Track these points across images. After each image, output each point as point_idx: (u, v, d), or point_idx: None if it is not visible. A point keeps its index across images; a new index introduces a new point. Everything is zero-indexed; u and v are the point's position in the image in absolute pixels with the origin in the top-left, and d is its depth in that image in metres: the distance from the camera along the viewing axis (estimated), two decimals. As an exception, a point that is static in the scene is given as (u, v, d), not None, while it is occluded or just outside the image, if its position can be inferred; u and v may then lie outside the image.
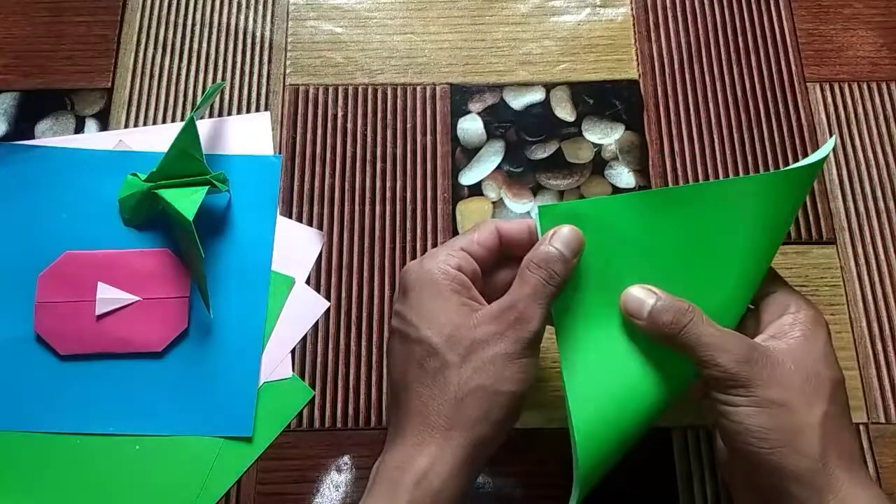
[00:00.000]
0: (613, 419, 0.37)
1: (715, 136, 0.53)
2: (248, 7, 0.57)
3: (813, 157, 0.40)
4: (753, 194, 0.38)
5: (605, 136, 0.53)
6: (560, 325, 0.39)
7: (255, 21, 0.56)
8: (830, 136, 0.53)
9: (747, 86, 0.55)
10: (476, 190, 0.52)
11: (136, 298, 0.48)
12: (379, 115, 0.54)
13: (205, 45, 0.55)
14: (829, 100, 0.54)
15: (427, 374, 0.37)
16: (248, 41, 0.56)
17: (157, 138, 0.52)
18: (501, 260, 0.41)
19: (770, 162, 0.52)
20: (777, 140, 0.53)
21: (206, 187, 0.48)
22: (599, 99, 0.54)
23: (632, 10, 0.57)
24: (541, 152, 0.53)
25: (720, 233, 0.38)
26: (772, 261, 0.40)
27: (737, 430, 0.36)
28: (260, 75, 0.55)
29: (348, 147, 0.53)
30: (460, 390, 0.36)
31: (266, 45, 0.56)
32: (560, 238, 0.38)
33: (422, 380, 0.37)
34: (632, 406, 0.38)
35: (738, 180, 0.39)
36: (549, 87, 0.55)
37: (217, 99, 0.54)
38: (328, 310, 0.49)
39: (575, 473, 0.39)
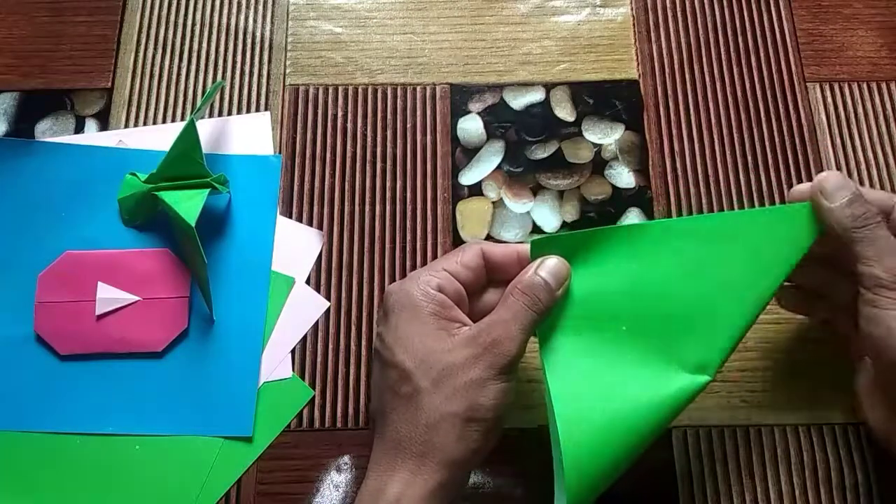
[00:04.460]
0: (604, 447, 0.37)
1: (715, 136, 0.53)
2: (248, 7, 0.57)
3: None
4: (745, 232, 0.39)
5: (605, 136, 0.53)
6: (546, 352, 0.38)
7: (255, 21, 0.56)
8: (830, 136, 0.53)
9: (747, 86, 0.55)
10: (476, 190, 0.52)
11: (136, 298, 0.48)
12: (379, 115, 0.54)
13: (205, 45, 0.55)
14: (829, 100, 0.54)
15: (401, 399, 0.37)
16: (248, 41, 0.56)
17: (157, 138, 0.52)
18: (489, 282, 0.41)
19: (770, 162, 0.52)
20: (777, 140, 0.53)
21: (207, 190, 0.47)
22: (599, 99, 0.54)
23: (632, 10, 0.57)
24: (541, 152, 0.53)
25: (711, 267, 0.39)
26: (767, 304, 0.39)
27: (886, 336, 0.36)
28: (260, 75, 0.55)
29: (348, 147, 0.53)
30: (431, 417, 0.36)
31: (266, 45, 0.56)
32: (546, 268, 0.38)
33: (395, 405, 0.37)
34: (623, 433, 0.37)
35: (731, 215, 0.39)
36: (549, 87, 0.55)
37: (217, 99, 0.54)
38: (328, 310, 0.49)
39: (557, 490, 0.39)
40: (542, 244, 0.39)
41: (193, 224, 0.45)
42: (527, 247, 0.39)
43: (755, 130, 0.53)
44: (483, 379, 0.36)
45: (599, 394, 0.38)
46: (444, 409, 0.36)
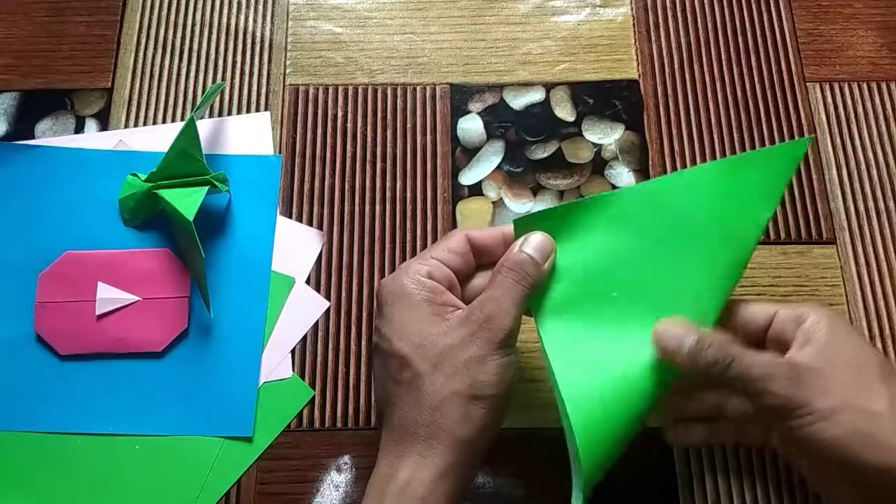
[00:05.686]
0: (611, 412, 0.37)
1: (715, 136, 0.53)
2: (248, 7, 0.57)
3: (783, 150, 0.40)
4: (715, 180, 0.39)
5: (605, 135, 0.53)
6: (543, 326, 0.39)
7: (255, 21, 0.56)
8: (830, 136, 0.53)
9: (747, 86, 0.55)
10: (476, 190, 0.52)
11: (136, 298, 0.48)
12: (379, 115, 0.54)
13: (205, 45, 0.55)
14: (829, 100, 0.54)
15: (402, 385, 0.37)
16: (248, 41, 0.56)
17: (157, 138, 0.52)
18: (478, 267, 0.41)
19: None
20: (777, 140, 0.53)
21: (206, 187, 0.48)
22: (599, 99, 0.54)
23: (632, 10, 0.57)
24: (541, 152, 0.53)
25: (693, 220, 0.39)
26: (752, 250, 0.39)
27: (817, 448, 0.36)
28: (260, 75, 0.55)
29: (348, 147, 0.53)
30: (434, 399, 0.36)
31: (266, 45, 0.56)
32: (531, 244, 0.39)
33: (398, 392, 0.38)
34: (628, 396, 0.38)
35: (698, 168, 0.40)
36: (549, 87, 0.55)
37: (217, 99, 0.54)
38: (328, 310, 0.49)
39: (574, 472, 0.39)
40: (525, 222, 0.40)
41: (191, 218, 0.45)
42: (510, 227, 0.40)
43: (755, 130, 0.53)
44: (481, 356, 0.37)
45: (600, 360, 0.38)
46: (447, 389, 0.36)
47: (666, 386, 0.38)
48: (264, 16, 0.56)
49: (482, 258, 0.41)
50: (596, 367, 0.38)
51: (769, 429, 0.40)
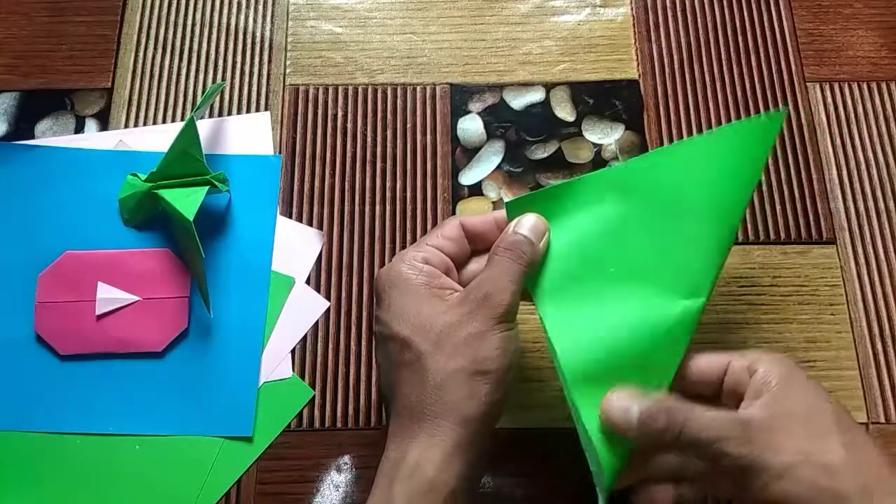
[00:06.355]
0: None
1: (715, 136, 0.53)
2: (248, 7, 0.57)
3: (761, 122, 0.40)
4: (701, 152, 0.39)
5: (605, 135, 0.53)
6: (543, 309, 0.39)
7: (255, 21, 0.56)
8: (830, 136, 0.53)
9: (747, 86, 0.55)
10: (476, 190, 0.52)
11: (136, 298, 0.48)
12: (379, 115, 0.54)
13: (205, 45, 0.55)
14: (829, 100, 0.54)
15: (406, 367, 0.37)
16: (248, 41, 0.56)
17: (157, 138, 0.52)
18: (473, 253, 0.41)
19: (770, 162, 0.52)
20: (777, 140, 0.53)
21: (206, 187, 0.48)
22: (599, 99, 0.54)
23: (632, 10, 0.57)
24: (541, 152, 0.53)
25: (682, 193, 0.39)
26: (740, 218, 0.39)
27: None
28: (260, 75, 0.55)
29: (348, 147, 0.53)
30: (437, 377, 0.36)
31: (266, 45, 0.56)
32: (524, 225, 0.39)
33: (402, 375, 0.38)
34: (636, 376, 0.37)
35: (684, 142, 0.41)
36: (549, 87, 0.55)
37: (217, 99, 0.54)
38: (328, 310, 0.49)
39: (593, 469, 0.38)
40: (517, 205, 0.40)
41: (192, 218, 0.45)
42: (503, 212, 0.40)
43: (755, 130, 0.53)
44: (482, 331, 0.37)
45: (603, 340, 0.38)
46: (449, 366, 0.36)
47: (675, 360, 0.38)
48: (264, 16, 0.56)
49: (476, 244, 0.41)
50: (601, 348, 0.38)
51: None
